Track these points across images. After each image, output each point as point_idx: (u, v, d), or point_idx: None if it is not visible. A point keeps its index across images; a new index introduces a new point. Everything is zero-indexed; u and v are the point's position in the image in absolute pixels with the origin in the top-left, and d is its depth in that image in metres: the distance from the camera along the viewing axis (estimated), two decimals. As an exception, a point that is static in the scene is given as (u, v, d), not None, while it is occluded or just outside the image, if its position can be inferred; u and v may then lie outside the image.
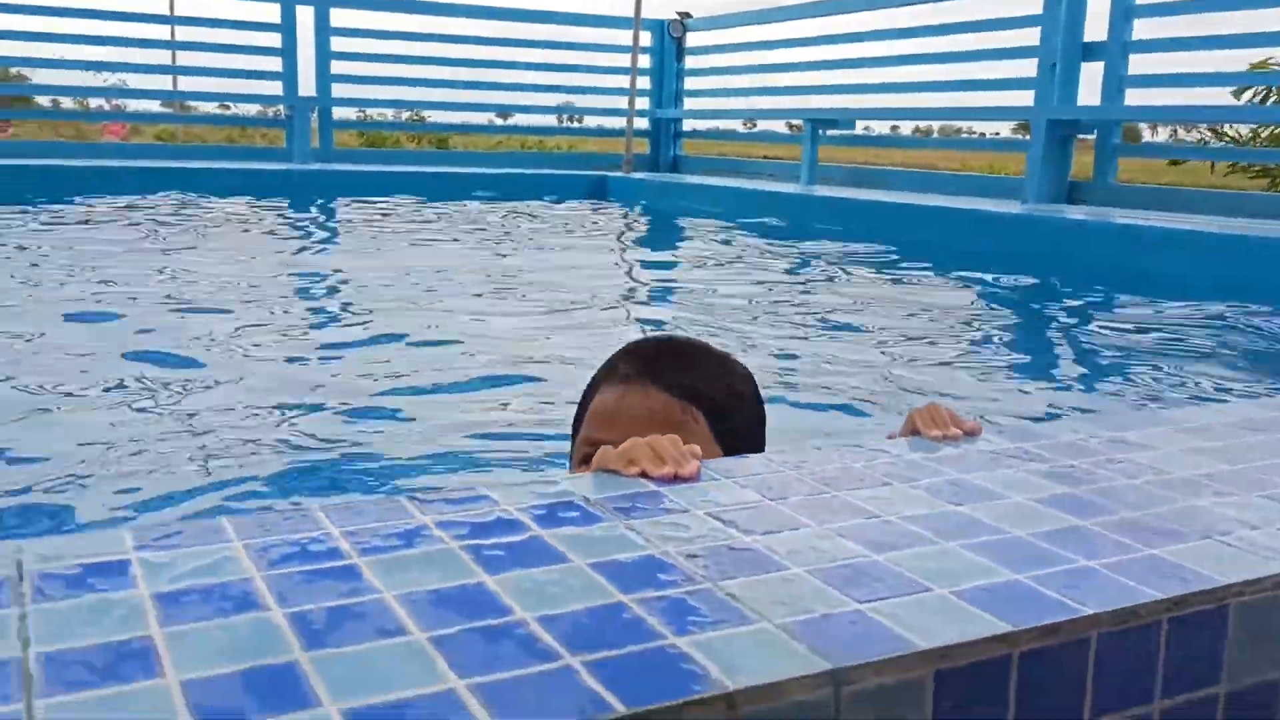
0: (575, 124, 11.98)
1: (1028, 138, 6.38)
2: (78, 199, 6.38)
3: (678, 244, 6.19)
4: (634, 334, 3.63)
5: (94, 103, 11.33)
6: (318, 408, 2.38)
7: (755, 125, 11.38)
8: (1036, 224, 5.25)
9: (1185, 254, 4.46)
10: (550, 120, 10.62)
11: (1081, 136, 6.10)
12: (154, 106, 10.94)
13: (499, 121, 11.11)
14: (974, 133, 15.18)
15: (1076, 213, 5.53)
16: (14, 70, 10.31)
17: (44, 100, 10.06)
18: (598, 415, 1.22)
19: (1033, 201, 5.96)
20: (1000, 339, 3.71)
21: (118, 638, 0.67)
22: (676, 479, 1.01)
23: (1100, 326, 3.91)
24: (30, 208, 6.08)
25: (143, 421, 2.11)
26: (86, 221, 5.81)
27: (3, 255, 4.63)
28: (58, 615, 0.70)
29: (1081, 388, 2.93)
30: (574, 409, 1.33)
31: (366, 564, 0.80)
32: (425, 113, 10.27)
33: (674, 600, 0.75)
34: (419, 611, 0.72)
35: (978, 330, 3.79)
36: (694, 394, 1.21)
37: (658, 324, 3.84)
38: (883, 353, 3.28)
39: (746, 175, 8.42)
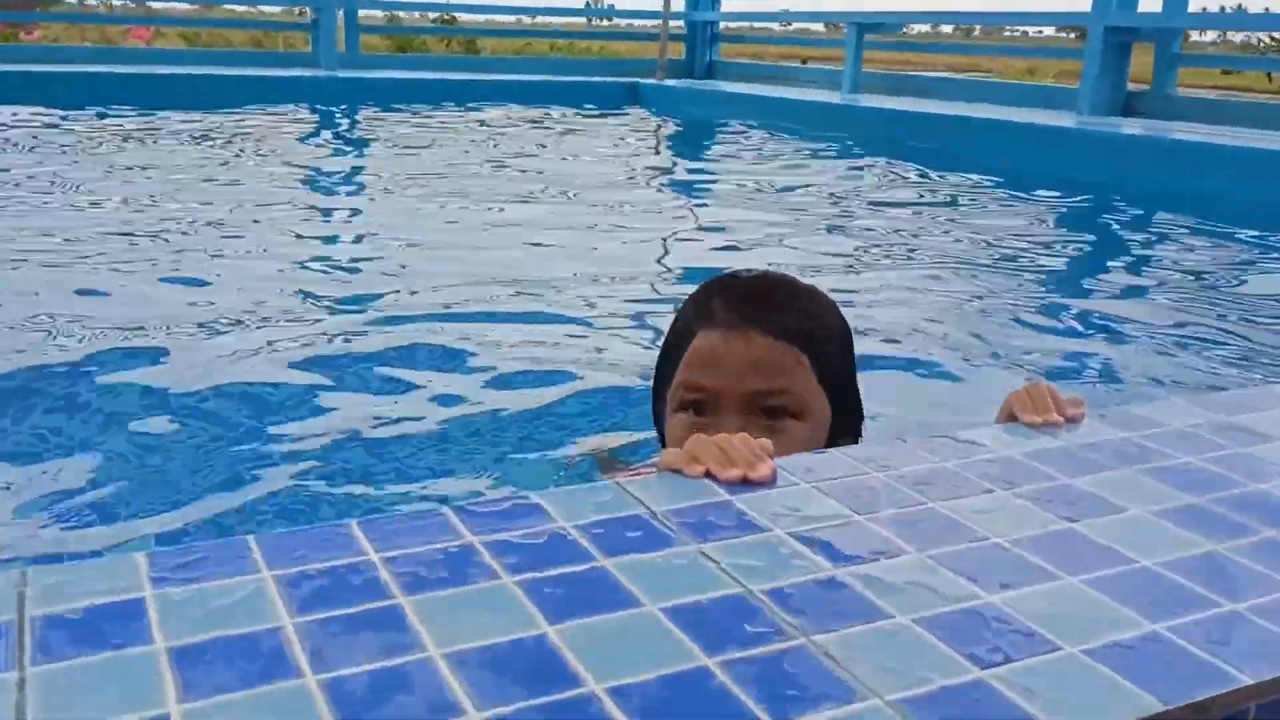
0: (604, 25, 11.63)
1: (1071, 35, 6.07)
2: (95, 107, 6.24)
3: (715, 159, 5.99)
4: (672, 258, 3.49)
5: (118, 3, 11.08)
6: (344, 353, 2.28)
7: (790, 26, 10.99)
8: (1098, 141, 5.02)
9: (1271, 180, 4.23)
10: (580, 23, 10.29)
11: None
12: (178, 6, 10.64)
13: (526, 22, 10.78)
14: (1016, 32, 14.60)
15: (1134, 127, 5.28)
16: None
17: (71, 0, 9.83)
18: (700, 359, 1.15)
19: (1087, 113, 5.70)
20: (1059, 273, 3.54)
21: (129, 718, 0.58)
22: (746, 482, 0.91)
23: (1169, 260, 3.73)
24: (53, 114, 5.96)
25: (148, 384, 2.00)
26: (98, 132, 5.68)
27: (19, 171, 4.52)
28: (62, 682, 0.61)
29: (1152, 334, 2.78)
30: (615, 339, 1.23)
31: (410, 605, 0.70)
32: (453, 15, 9.97)
33: (765, 663, 0.65)
34: (474, 678, 0.62)
35: (1036, 262, 3.62)
36: (796, 335, 1.15)
37: (694, 245, 3.70)
38: (933, 284, 3.14)
39: (786, 81, 8.13)
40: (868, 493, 0.90)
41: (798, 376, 1.14)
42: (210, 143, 5.50)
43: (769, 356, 1.13)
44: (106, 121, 5.96)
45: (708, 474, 0.91)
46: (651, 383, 1.32)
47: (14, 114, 5.91)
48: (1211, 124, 5.31)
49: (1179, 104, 5.70)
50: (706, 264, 3.32)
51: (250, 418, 1.87)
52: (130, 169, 4.61)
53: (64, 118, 5.94)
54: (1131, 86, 5.91)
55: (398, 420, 1.89)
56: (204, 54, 9.15)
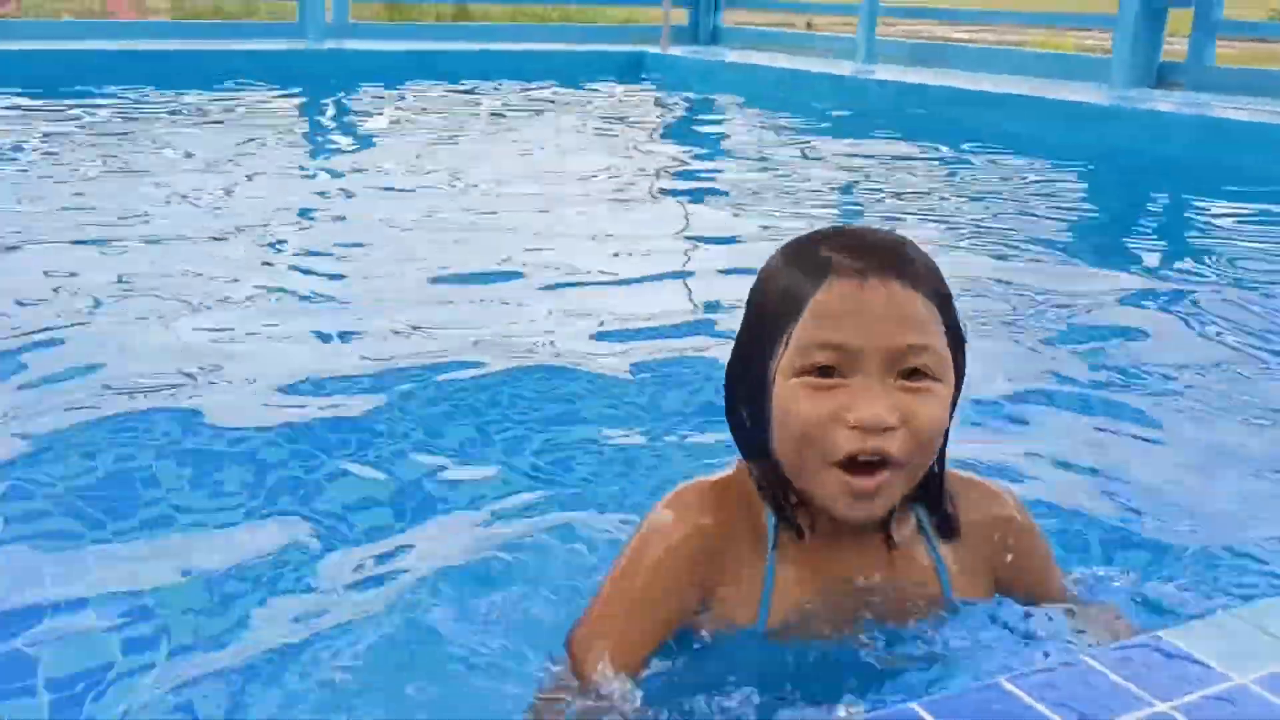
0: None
1: None
2: (70, 86, 5.88)
3: (727, 138, 5.66)
4: (689, 253, 3.20)
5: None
6: (345, 377, 2.01)
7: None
8: (1142, 120, 4.74)
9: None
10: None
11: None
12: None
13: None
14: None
15: (1167, 104, 4.99)
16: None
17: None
18: (833, 311, 0.97)
19: (1121, 87, 5.39)
20: (1093, 267, 3.23)
21: None
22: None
23: (1211, 250, 3.45)
24: (29, 99, 5.62)
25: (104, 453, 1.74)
26: (73, 119, 5.34)
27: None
28: None
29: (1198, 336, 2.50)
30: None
31: None
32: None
33: None
34: None
35: (1069, 254, 3.33)
36: (926, 288, 0.99)
37: (716, 240, 3.41)
38: (966, 287, 2.86)
39: (795, 49, 7.77)
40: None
41: (937, 334, 0.98)
42: (188, 129, 5.18)
43: (912, 306, 0.97)
44: (75, 103, 5.61)
45: None
46: (729, 366, 1.08)
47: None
48: (1254, 97, 5.02)
49: (1217, 75, 5.38)
50: (721, 263, 3.04)
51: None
52: (106, 159, 4.30)
53: (34, 100, 5.60)
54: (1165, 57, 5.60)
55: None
56: (189, 26, 8.75)
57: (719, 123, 6.12)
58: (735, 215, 3.82)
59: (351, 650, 1.15)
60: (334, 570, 1.38)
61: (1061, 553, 1.24)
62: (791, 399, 0.97)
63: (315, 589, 1.33)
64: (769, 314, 1.01)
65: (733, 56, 7.59)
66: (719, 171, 4.72)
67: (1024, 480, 1.61)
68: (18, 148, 4.50)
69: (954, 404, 1.01)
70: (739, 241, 3.39)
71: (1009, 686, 0.73)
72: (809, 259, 1.00)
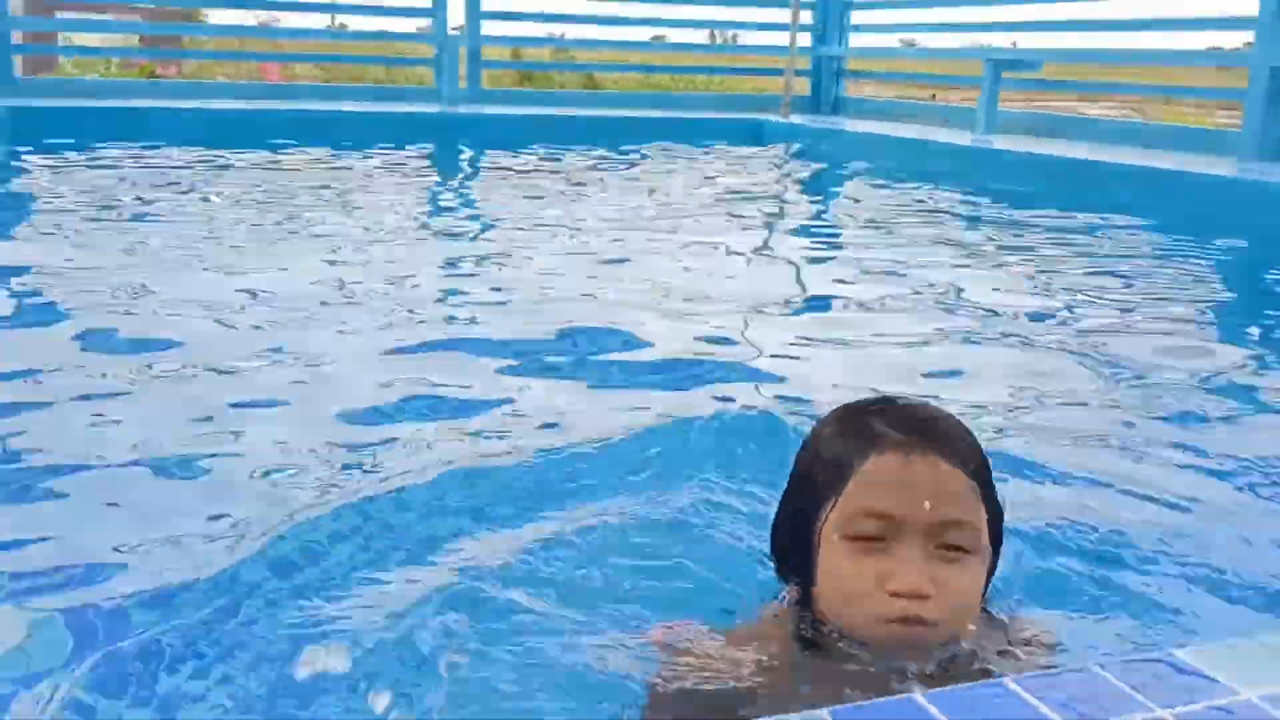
0: (729, 42, 11.49)
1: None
2: (207, 146, 6.31)
3: (842, 206, 5.71)
4: (799, 320, 3.24)
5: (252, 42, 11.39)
6: (469, 433, 2.12)
7: (915, 43, 10.65)
8: (1271, 193, 4.61)
9: None
10: (703, 57, 10.10)
11: None
12: (307, 47, 10.79)
13: (649, 59, 10.68)
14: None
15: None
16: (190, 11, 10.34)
17: (206, 39, 10.15)
18: (878, 481, 1.05)
19: (1250, 160, 5.25)
20: (1220, 354, 3.15)
21: None
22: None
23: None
24: (196, 152, 6.06)
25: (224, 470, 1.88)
26: (218, 168, 5.73)
27: (136, 210, 4.56)
28: None
29: None
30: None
31: None
32: (575, 52, 9.94)
33: None
34: None
35: (1199, 338, 3.26)
36: (968, 464, 1.07)
37: (822, 305, 3.45)
38: (1084, 366, 2.82)
39: (914, 119, 7.80)
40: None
41: (975, 508, 1.06)
42: (324, 182, 5.50)
43: (954, 483, 1.05)
44: (234, 155, 6.02)
45: None
46: (776, 516, 1.19)
47: (143, 152, 6.04)
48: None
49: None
50: (833, 330, 3.08)
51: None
52: (259, 203, 4.61)
53: (200, 152, 6.03)
54: None
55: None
56: (332, 89, 9.28)
57: (835, 187, 6.18)
58: (844, 273, 3.87)
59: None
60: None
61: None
62: (837, 560, 1.05)
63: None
64: (817, 478, 1.10)
65: (851, 125, 7.66)
66: (833, 233, 4.77)
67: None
68: (185, 193, 4.88)
69: (991, 572, 1.09)
70: (844, 300, 3.44)
71: (1013, 686, 0.76)
72: (859, 430, 1.09)
